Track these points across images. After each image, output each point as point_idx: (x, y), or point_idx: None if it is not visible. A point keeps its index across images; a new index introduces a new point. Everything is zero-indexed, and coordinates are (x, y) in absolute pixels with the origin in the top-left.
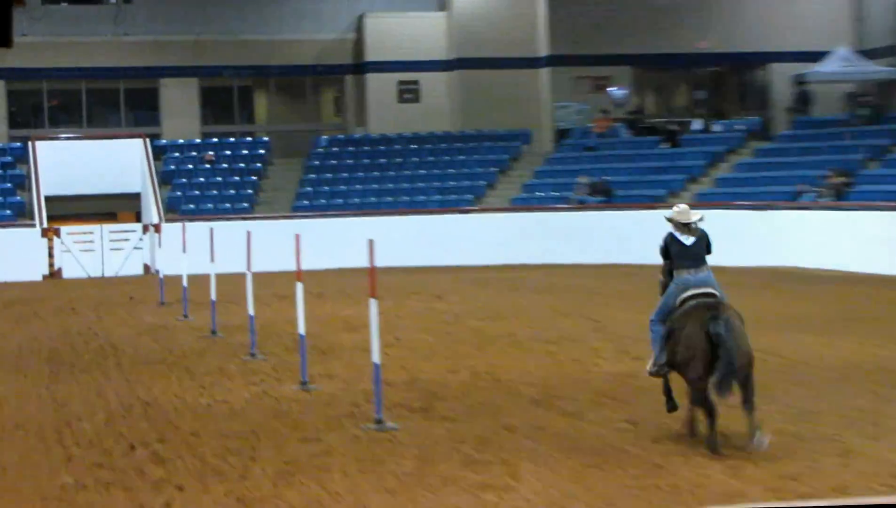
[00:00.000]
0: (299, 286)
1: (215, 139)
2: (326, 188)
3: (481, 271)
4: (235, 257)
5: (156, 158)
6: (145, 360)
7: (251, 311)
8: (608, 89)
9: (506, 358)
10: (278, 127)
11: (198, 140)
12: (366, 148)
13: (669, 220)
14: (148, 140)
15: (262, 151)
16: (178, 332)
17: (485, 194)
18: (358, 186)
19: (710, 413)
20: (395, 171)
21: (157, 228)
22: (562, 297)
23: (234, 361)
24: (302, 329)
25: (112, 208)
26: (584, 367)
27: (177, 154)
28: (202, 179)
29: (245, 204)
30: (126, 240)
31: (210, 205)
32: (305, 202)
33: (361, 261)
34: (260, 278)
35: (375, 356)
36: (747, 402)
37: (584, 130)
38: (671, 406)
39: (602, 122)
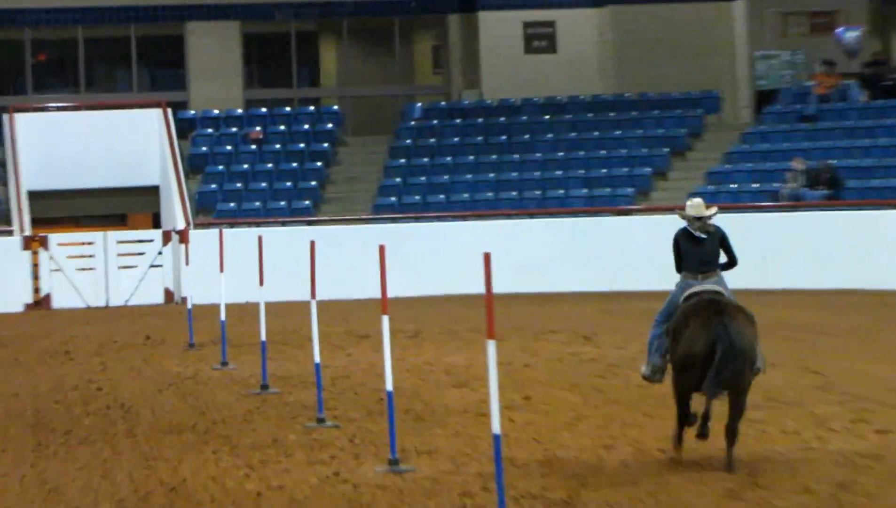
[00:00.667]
0: (385, 321)
1: (264, 109)
2: (422, 179)
3: (645, 298)
4: (294, 279)
5: (180, 136)
6: (169, 427)
7: (317, 357)
8: (836, 31)
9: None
10: (353, 91)
11: (239, 111)
12: (478, 121)
13: (683, 215)
14: (170, 111)
15: (330, 127)
16: (215, 387)
17: (652, 187)
18: (467, 176)
19: (685, 425)
20: (521, 153)
21: (182, 236)
22: (769, 337)
23: (294, 429)
24: (390, 384)
25: (120, 207)
26: (803, 443)
27: (210, 131)
28: (246, 167)
29: (306, 202)
30: (140, 254)
31: (257, 204)
32: (392, 199)
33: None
34: (330, 308)
35: (495, 424)
36: (730, 427)
37: (798, 92)
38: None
39: (826, 79)
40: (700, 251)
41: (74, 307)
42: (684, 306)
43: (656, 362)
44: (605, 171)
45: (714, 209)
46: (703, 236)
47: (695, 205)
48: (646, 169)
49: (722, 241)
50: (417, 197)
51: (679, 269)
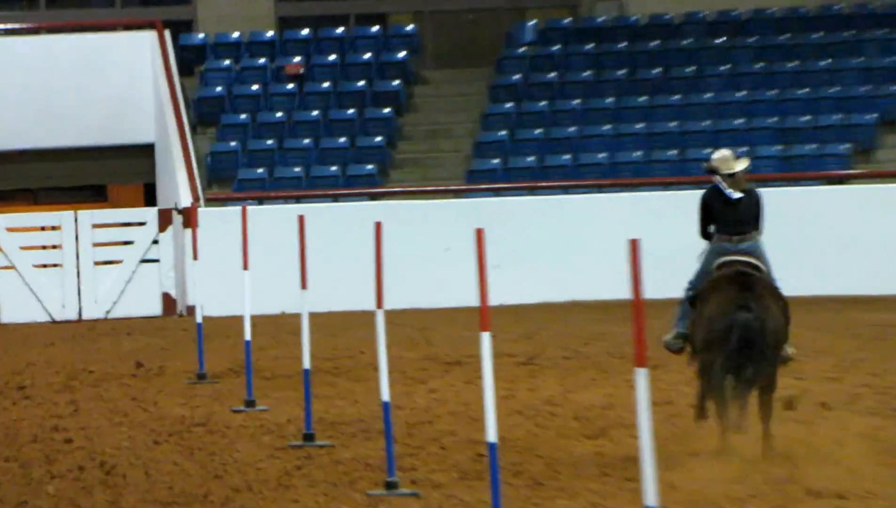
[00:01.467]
0: (486, 341)
1: (305, 31)
2: (538, 133)
3: (877, 306)
4: (351, 279)
5: (184, 70)
6: (169, 498)
7: (386, 393)
8: None
9: None
10: (437, 4)
11: (270, 33)
12: (619, 46)
13: (711, 170)
14: (168, 34)
15: (402, 56)
16: (237, 437)
17: (877, 143)
18: (604, 128)
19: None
20: (683, 94)
21: (188, 218)
22: None
23: (352, 499)
24: (493, 433)
25: (97, 176)
26: None
27: (227, 63)
28: (280, 116)
29: (369, 167)
30: (126, 244)
31: (297, 169)
32: (494, 162)
33: (614, 286)
34: (403, 321)
35: (650, 496)
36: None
37: None
38: (700, 412)
39: None
40: (735, 213)
41: (32, 321)
42: (713, 276)
43: (679, 330)
44: (807, 119)
45: (745, 163)
46: (739, 195)
47: (723, 158)
48: (868, 116)
49: (758, 205)
50: (531, 159)
51: (705, 235)
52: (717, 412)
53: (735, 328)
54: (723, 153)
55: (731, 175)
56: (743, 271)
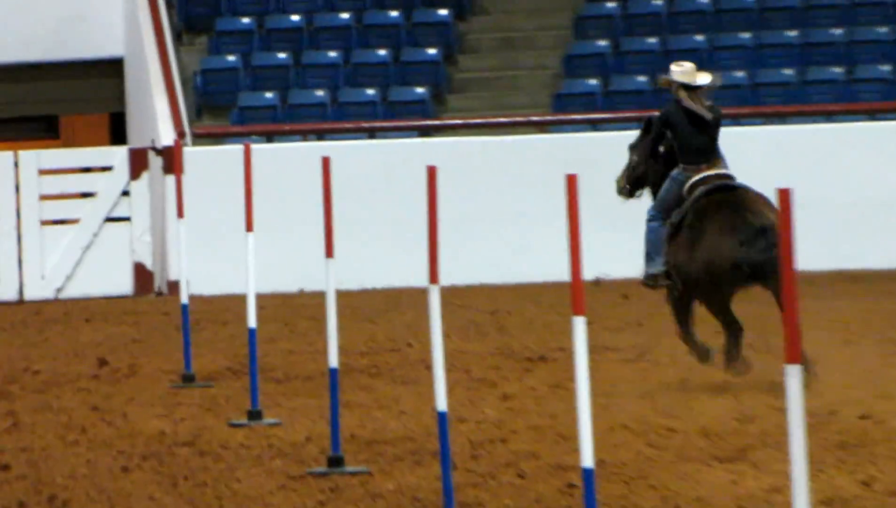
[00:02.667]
0: (579, 327)
1: None
2: (651, 41)
3: None
4: (392, 244)
5: None
6: None
7: (441, 401)
8: None
9: None
10: None
11: None
12: None
13: (671, 83)
14: None
15: None
16: (237, 461)
17: None
18: (743, 37)
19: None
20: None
21: (170, 159)
22: None
23: None
24: (589, 455)
25: (47, 104)
26: None
27: None
28: (296, 20)
29: (419, 90)
30: (86, 197)
31: (319, 93)
32: (591, 82)
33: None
34: (464, 300)
35: None
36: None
37: None
38: (702, 353)
39: None
40: (704, 139)
41: None
42: (693, 199)
43: (657, 267)
44: None
45: (708, 77)
46: (708, 115)
47: (688, 71)
48: None
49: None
50: (641, 79)
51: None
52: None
53: (768, 229)
54: (686, 65)
55: (696, 88)
56: (728, 185)
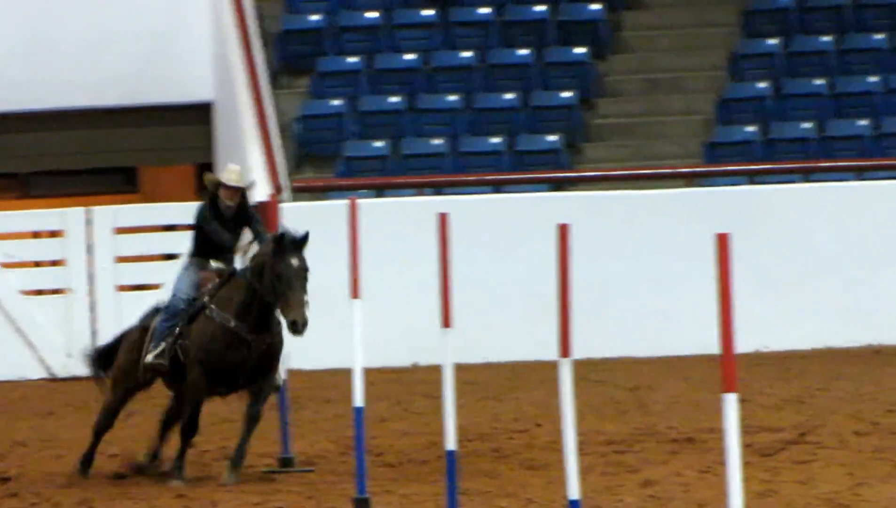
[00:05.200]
0: (731, 406)
1: None
2: (817, 83)
3: None
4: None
5: None
6: None
7: (574, 489)
8: None
9: None
10: None
11: None
12: None
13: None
14: None
15: None
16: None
17: None
18: None
19: None
20: None
21: (266, 214)
22: None
23: None
24: None
25: (124, 153)
26: None
27: None
28: (411, 58)
29: (551, 138)
30: (171, 258)
31: (437, 142)
32: (749, 130)
33: None
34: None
35: None
36: None
37: None
38: None
39: None
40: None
41: (21, 379)
42: None
43: None
44: None
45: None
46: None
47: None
48: None
49: None
50: (807, 125)
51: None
52: None
53: None
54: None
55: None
56: None
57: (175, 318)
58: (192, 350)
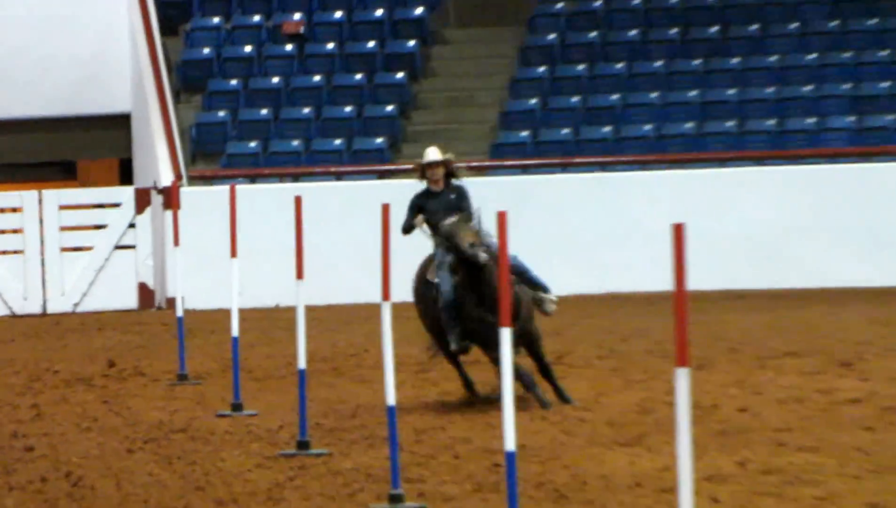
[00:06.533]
0: (505, 336)
1: None
2: (574, 101)
3: None
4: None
5: (166, 29)
6: None
7: (391, 395)
8: None
9: None
10: None
11: None
12: (670, 1)
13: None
14: None
15: (419, 13)
16: (222, 444)
17: None
18: (651, 96)
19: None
20: (743, 56)
21: (169, 197)
22: None
23: None
24: (511, 440)
25: (65, 151)
26: None
27: (216, 21)
28: (277, 82)
29: (378, 140)
30: (98, 229)
31: (295, 143)
32: (523, 135)
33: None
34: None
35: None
36: None
37: None
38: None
39: None
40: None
41: None
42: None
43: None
44: (885, 85)
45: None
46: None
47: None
48: None
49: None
50: (566, 131)
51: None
52: None
53: None
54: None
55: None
56: None
57: None
58: None
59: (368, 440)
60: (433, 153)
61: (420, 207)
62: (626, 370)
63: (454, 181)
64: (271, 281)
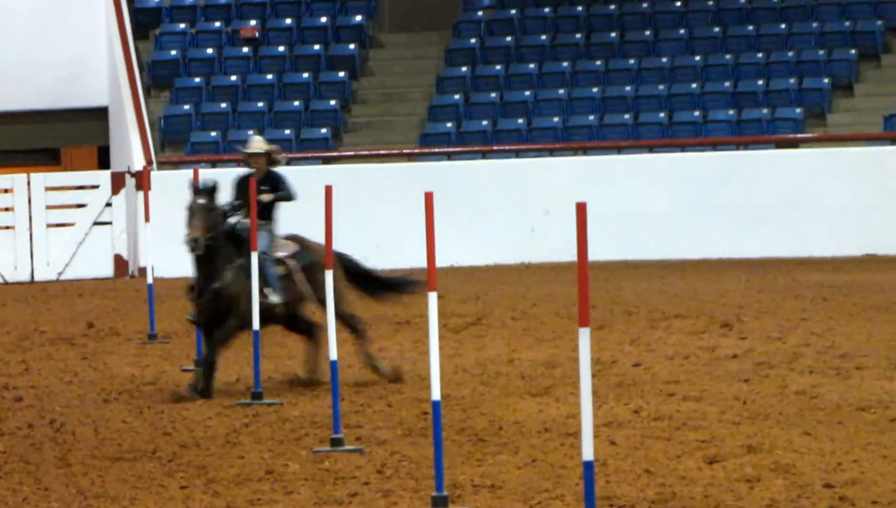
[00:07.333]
0: (432, 301)
1: None
2: (493, 96)
3: (817, 267)
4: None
5: (138, 33)
6: (118, 454)
7: (333, 352)
8: None
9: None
10: None
11: None
12: (576, 10)
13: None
14: None
15: (358, 20)
16: (186, 396)
17: (831, 108)
18: (559, 92)
19: None
20: (638, 58)
21: (141, 180)
22: None
23: (298, 455)
24: (437, 391)
25: (50, 139)
26: None
27: (182, 26)
28: (235, 79)
29: (322, 131)
30: (79, 207)
31: (250, 132)
32: (447, 126)
33: (563, 249)
34: None
35: (588, 449)
36: None
37: None
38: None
39: None
40: None
41: None
42: None
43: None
44: (760, 83)
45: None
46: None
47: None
48: (822, 80)
49: None
50: (485, 123)
51: None
52: None
53: None
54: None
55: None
56: None
57: None
58: None
59: (314, 391)
60: (257, 144)
61: (242, 189)
62: (536, 330)
63: (272, 169)
64: None
